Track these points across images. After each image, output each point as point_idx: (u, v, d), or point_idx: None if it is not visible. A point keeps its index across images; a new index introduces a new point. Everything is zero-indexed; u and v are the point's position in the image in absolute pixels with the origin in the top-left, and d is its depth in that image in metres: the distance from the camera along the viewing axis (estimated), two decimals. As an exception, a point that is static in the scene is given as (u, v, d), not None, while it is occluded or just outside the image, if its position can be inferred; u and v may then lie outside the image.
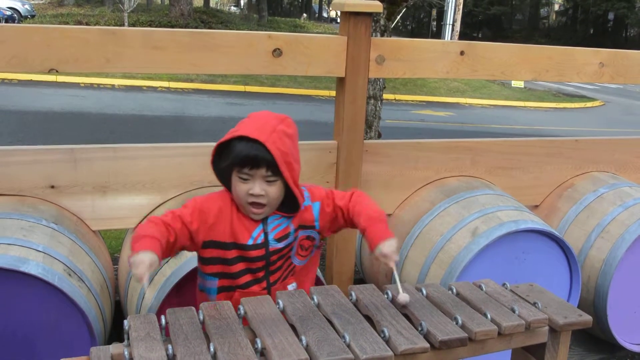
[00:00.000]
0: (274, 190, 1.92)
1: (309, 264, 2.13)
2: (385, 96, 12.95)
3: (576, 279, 3.13)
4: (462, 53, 3.13)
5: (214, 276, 2.00)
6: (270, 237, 1.98)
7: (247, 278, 2.00)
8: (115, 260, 3.62)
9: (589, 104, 18.35)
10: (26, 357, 2.31)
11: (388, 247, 1.87)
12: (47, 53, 2.52)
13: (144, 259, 1.72)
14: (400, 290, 1.83)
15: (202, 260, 2.02)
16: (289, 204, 1.99)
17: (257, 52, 2.79)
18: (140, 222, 2.85)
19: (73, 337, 2.36)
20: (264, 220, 1.98)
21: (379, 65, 2.99)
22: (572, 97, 19.37)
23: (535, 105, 17.59)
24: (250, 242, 1.96)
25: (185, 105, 12.20)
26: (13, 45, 2.49)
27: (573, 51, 3.38)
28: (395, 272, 1.86)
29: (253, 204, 1.92)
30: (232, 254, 1.97)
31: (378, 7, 2.93)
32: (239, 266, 1.98)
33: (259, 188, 1.89)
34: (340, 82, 2.99)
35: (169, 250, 1.89)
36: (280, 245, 2.00)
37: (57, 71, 2.55)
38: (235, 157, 1.89)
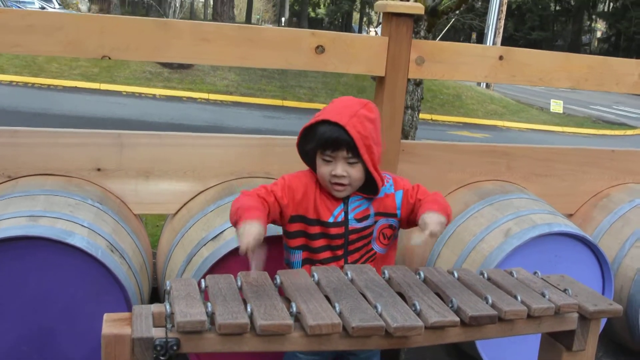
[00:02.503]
0: (355, 172, 2.02)
1: (390, 253, 2.21)
2: (421, 116, 12.94)
3: (609, 287, 3.12)
4: (501, 58, 3.17)
5: (299, 249, 2.11)
6: (350, 216, 2.08)
7: (326, 254, 2.10)
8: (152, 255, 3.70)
9: (629, 132, 18.08)
10: (65, 326, 2.40)
11: (432, 216, 1.94)
12: (101, 40, 2.64)
13: (251, 231, 1.79)
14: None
15: (287, 234, 2.13)
16: (372, 186, 2.09)
17: (300, 48, 2.87)
18: (185, 204, 2.94)
19: (111, 311, 2.43)
20: (345, 200, 2.09)
21: (418, 66, 3.05)
22: (612, 124, 19.11)
23: (573, 130, 17.40)
24: (331, 219, 2.07)
25: (223, 117, 12.38)
26: (69, 32, 2.60)
27: (613, 61, 3.39)
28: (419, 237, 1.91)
29: (336, 183, 2.02)
30: (315, 229, 2.08)
31: (420, 9, 2.99)
32: (321, 242, 2.09)
33: (341, 169, 2.00)
34: (380, 81, 3.06)
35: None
36: (360, 225, 2.09)
37: (109, 57, 2.67)
38: (318, 140, 2.01)
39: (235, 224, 1.88)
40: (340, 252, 2.09)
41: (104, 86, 13.76)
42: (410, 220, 2.17)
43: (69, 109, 11.06)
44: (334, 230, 2.07)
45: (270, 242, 2.38)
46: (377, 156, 2.04)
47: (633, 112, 22.83)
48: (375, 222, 2.12)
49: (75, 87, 13.52)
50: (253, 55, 2.83)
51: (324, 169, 2.03)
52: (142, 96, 13.76)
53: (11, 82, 13.16)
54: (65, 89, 13.32)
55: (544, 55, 3.27)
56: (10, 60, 13.96)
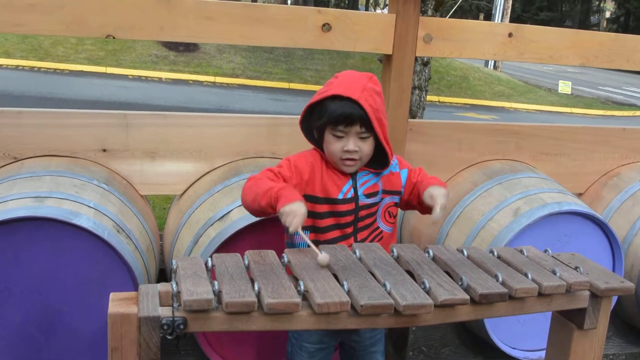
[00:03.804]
0: (366, 146, 2.00)
1: (394, 233, 2.19)
2: (429, 98, 12.82)
3: (619, 266, 3.10)
4: (510, 35, 3.12)
5: (305, 230, 2.05)
6: (360, 192, 2.05)
7: (335, 234, 2.06)
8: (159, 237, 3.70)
9: (638, 113, 17.95)
10: (72, 307, 2.40)
11: (437, 190, 1.95)
12: (104, 19, 2.61)
13: (298, 209, 1.79)
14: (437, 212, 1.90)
15: None
16: (378, 161, 2.07)
17: (306, 26, 2.83)
18: (191, 185, 2.92)
19: (118, 291, 2.43)
20: (353, 176, 2.06)
21: (426, 43, 3.00)
22: (621, 105, 18.98)
23: (582, 112, 17.27)
24: (340, 196, 2.04)
25: (230, 100, 12.34)
26: (72, 11, 2.57)
27: (625, 38, 3.34)
28: (437, 210, 1.93)
29: (347, 159, 2.00)
30: (322, 208, 2.04)
31: (427, -15, 2.95)
32: (328, 221, 2.05)
33: (353, 144, 1.98)
34: (387, 59, 3.02)
35: None
36: (370, 201, 2.07)
37: (113, 37, 2.64)
38: (330, 116, 1.97)
39: (270, 203, 1.85)
40: (349, 230, 2.06)
41: (110, 70, 13.71)
42: (409, 202, 2.16)
43: (75, 93, 11.04)
44: (343, 207, 2.04)
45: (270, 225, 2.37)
46: (386, 129, 2.03)
47: (643, 93, 22.63)
48: (382, 199, 2.11)
49: (81, 70, 13.48)
50: (258, 34, 2.79)
51: (335, 145, 1.99)
52: (148, 79, 13.71)
53: (17, 66, 13.13)
54: (71, 72, 13.28)
55: (554, 32, 3.22)
56: (17, 45, 13.93)
